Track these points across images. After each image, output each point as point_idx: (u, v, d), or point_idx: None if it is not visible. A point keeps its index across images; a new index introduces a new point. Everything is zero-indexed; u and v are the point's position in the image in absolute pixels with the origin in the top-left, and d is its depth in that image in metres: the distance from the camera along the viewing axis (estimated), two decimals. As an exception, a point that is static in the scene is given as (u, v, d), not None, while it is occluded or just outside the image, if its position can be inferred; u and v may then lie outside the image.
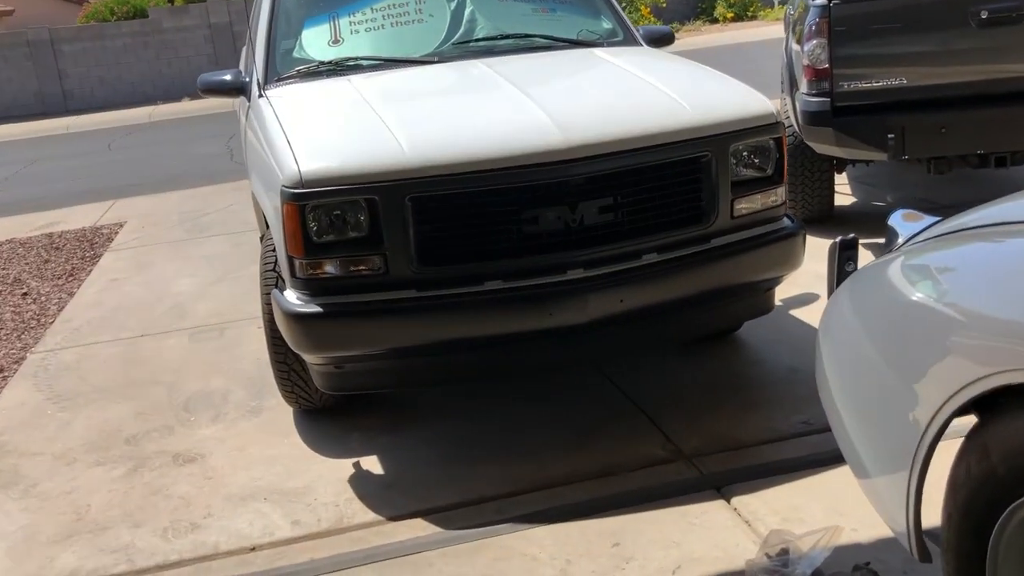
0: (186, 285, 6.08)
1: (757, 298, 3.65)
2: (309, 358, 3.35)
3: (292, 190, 3.14)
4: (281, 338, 3.56)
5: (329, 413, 3.84)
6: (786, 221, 3.63)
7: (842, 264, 2.47)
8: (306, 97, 3.96)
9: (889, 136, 4.74)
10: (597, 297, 3.22)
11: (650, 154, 3.27)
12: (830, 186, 5.65)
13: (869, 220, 5.95)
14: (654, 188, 3.32)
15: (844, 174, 6.22)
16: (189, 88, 19.37)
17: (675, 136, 3.30)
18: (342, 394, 3.59)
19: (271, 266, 3.65)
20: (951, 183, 6.44)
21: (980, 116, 4.74)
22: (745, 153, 3.47)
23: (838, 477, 3.03)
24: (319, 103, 3.84)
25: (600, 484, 3.13)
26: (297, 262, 3.21)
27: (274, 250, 3.68)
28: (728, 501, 2.97)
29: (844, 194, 6.44)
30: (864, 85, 4.83)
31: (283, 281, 3.54)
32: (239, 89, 4.38)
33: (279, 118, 3.60)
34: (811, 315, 4.36)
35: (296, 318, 3.19)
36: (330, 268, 3.21)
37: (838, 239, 2.47)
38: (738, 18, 24.30)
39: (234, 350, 4.81)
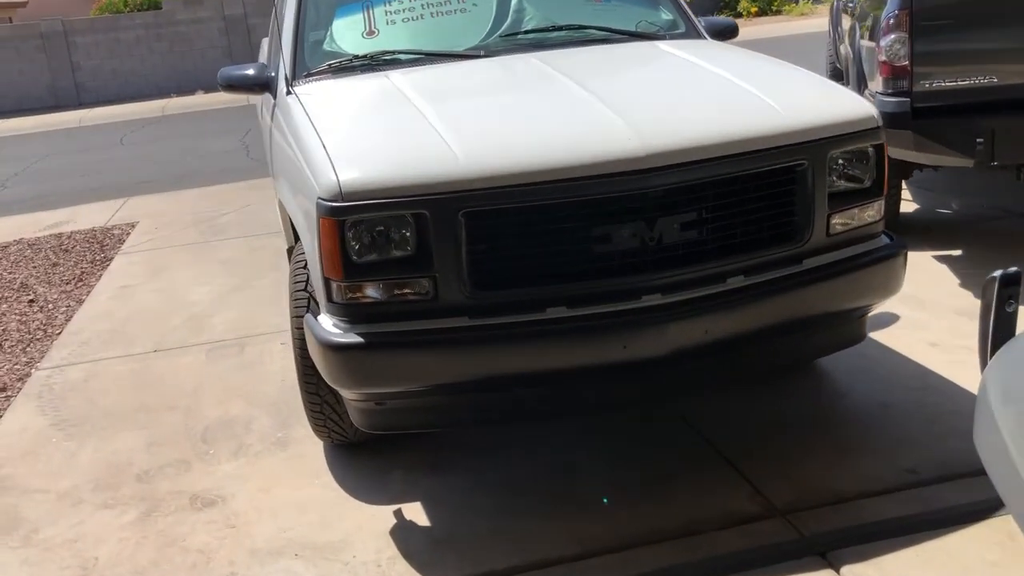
0: (202, 294, 5.68)
1: (849, 326, 3.22)
2: (346, 393, 2.94)
3: (330, 203, 2.73)
4: (313, 368, 3.16)
5: (364, 448, 3.43)
6: (884, 239, 3.20)
7: (1002, 304, 2.05)
8: (340, 95, 3.54)
9: (977, 140, 4.30)
10: (678, 327, 2.80)
11: (739, 163, 2.84)
12: (898, 193, 5.22)
13: (937, 229, 5.50)
14: (742, 202, 2.90)
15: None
16: (203, 81, 19.06)
17: (768, 142, 2.87)
18: (382, 433, 3.17)
19: (302, 286, 3.24)
20: (1019, 188, 5.98)
21: (1080, 119, 4.30)
22: (842, 161, 3.04)
23: (961, 543, 2.61)
24: (356, 102, 3.43)
25: (684, 547, 2.71)
26: (335, 285, 2.80)
27: (306, 267, 3.27)
28: (837, 572, 2.55)
29: (906, 200, 5.99)
30: (948, 84, 4.39)
31: (316, 304, 3.14)
32: (264, 85, 3.97)
33: (311, 119, 3.19)
34: (893, 339, 3.93)
35: (333, 349, 2.78)
36: (372, 292, 2.80)
37: (997, 273, 2.04)
38: (762, 12, 23.78)
39: (256, 370, 4.41)
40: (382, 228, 2.77)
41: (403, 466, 3.33)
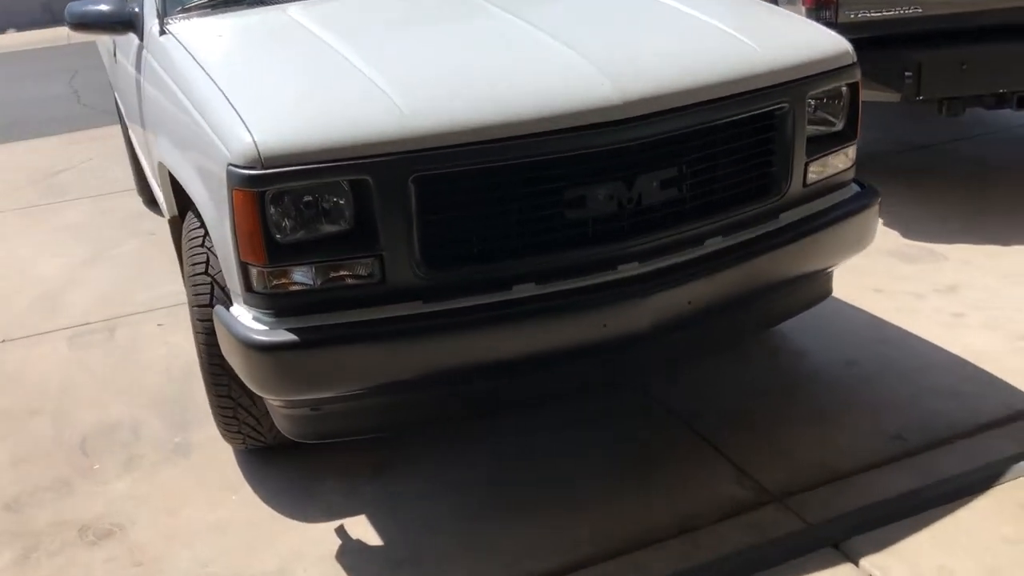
0: (51, 267, 4.93)
1: (819, 281, 2.97)
2: (276, 400, 2.46)
3: (245, 171, 2.20)
4: (223, 367, 2.66)
5: (284, 452, 2.95)
6: (855, 187, 2.94)
7: None
8: (232, 36, 2.95)
9: (906, 74, 4.11)
10: (661, 299, 2.46)
11: (721, 109, 2.48)
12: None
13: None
14: (721, 153, 2.56)
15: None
16: (15, 18, 17.15)
17: (750, 83, 2.53)
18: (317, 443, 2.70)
19: (201, 268, 2.70)
20: (918, 121, 5.96)
21: (1008, 51, 4.17)
22: (815, 103, 2.74)
23: (973, 519, 2.42)
24: (254, 44, 2.85)
25: (682, 548, 2.40)
26: (255, 271, 2.30)
27: (204, 245, 2.73)
28: (857, 564, 2.30)
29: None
30: (874, 15, 4.18)
31: (223, 292, 2.62)
32: (126, 23, 3.30)
33: (203, 66, 2.61)
34: (836, 287, 3.73)
35: (259, 350, 2.29)
36: (303, 278, 2.31)
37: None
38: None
39: (132, 359, 3.80)
40: (311, 199, 2.28)
41: (336, 471, 2.87)
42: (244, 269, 2.31)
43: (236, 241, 2.29)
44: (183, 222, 3.05)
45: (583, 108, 2.33)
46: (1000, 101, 4.33)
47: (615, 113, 2.34)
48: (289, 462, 2.92)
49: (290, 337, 2.28)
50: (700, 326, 2.58)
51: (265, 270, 2.28)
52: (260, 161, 2.20)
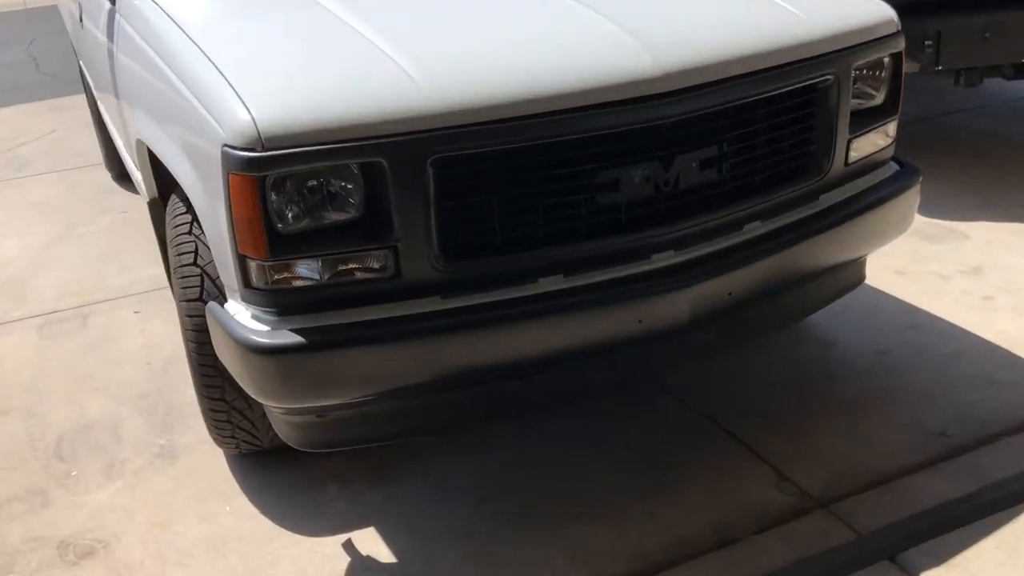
0: (15, 248, 4.63)
1: (853, 268, 2.77)
2: (279, 407, 2.22)
3: (243, 152, 1.95)
4: (215, 368, 2.41)
5: (279, 455, 2.71)
6: (894, 166, 2.74)
7: None
8: None
9: (926, 43, 3.91)
10: (702, 290, 2.24)
11: (766, 81, 2.26)
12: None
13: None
14: (764, 130, 2.34)
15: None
16: (-34, -18, 16.47)
17: (795, 53, 2.31)
18: (322, 451, 2.46)
19: (189, 259, 2.44)
20: (915, 92, 5.77)
21: (1032, 17, 3.98)
22: (858, 75, 2.53)
23: (1039, 525, 2.25)
24: (244, 9, 2.57)
25: (720, 563, 2.21)
26: (255, 264, 2.05)
27: (192, 232, 2.48)
28: (918, 580, 2.12)
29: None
30: (892, -21, 3.95)
31: (214, 285, 2.37)
32: (94, -15, 3.02)
33: (187, 32, 2.34)
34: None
35: (261, 353, 2.04)
36: (308, 272, 2.07)
37: None
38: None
39: (108, 350, 3.53)
40: (316, 184, 2.03)
41: (337, 477, 2.64)
42: (242, 263, 2.07)
43: (233, 232, 2.04)
44: (165, 205, 2.80)
45: (619, 81, 2.09)
46: (1020, 71, 4.15)
47: (654, 86, 2.11)
48: (286, 467, 2.69)
49: (295, 339, 2.03)
50: (736, 318, 2.38)
51: (266, 264, 2.04)
52: (260, 142, 1.94)
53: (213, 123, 2.04)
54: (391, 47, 2.14)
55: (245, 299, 2.12)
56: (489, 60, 2.11)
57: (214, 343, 2.27)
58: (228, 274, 2.17)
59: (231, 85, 2.05)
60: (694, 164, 2.22)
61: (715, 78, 2.18)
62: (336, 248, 2.05)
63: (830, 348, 3.12)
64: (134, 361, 3.42)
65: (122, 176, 5.46)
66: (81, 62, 4.90)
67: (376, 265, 2.08)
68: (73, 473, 2.78)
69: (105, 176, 5.63)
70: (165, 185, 2.90)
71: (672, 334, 2.25)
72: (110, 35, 3.05)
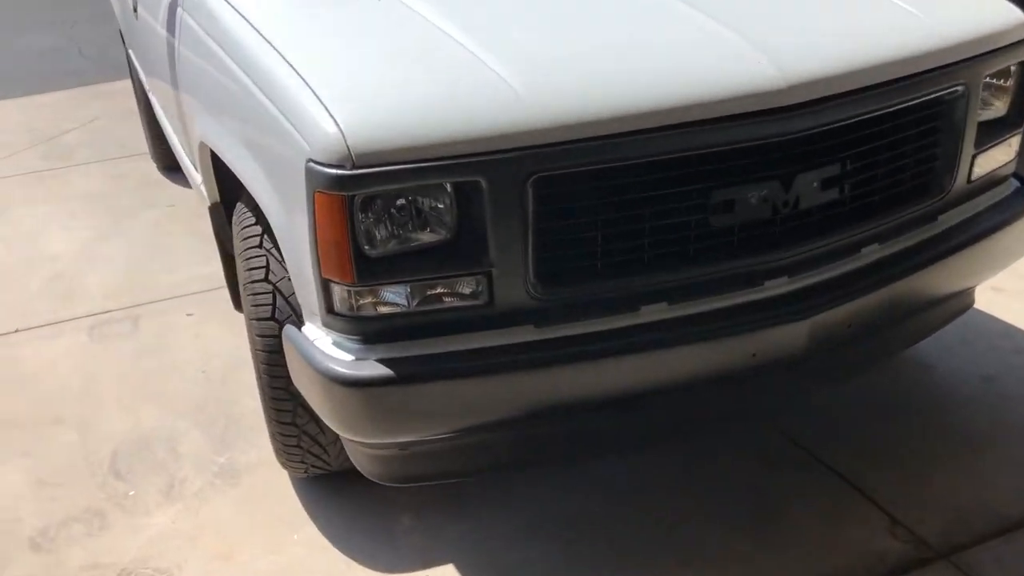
0: (63, 243, 4.50)
1: (965, 291, 2.57)
2: (362, 442, 2.06)
3: (331, 170, 1.79)
4: (287, 391, 2.26)
5: (347, 479, 2.55)
6: (1014, 183, 2.54)
7: None
8: None
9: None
10: (820, 321, 2.06)
11: (895, 93, 2.07)
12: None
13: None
14: (888, 145, 2.14)
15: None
16: (6, -37, 16.43)
17: (926, 62, 2.11)
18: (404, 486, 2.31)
19: (260, 275, 2.29)
20: None
21: None
22: (987, 84, 2.33)
23: None
24: (321, 9, 2.39)
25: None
26: (340, 289, 1.89)
27: (262, 246, 2.32)
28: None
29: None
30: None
31: (285, 301, 2.22)
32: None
33: (263, 33, 2.17)
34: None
35: (345, 386, 1.89)
36: (395, 298, 1.91)
37: None
38: None
39: (161, 356, 3.40)
40: (405, 203, 1.87)
41: (410, 505, 2.49)
42: (325, 287, 1.91)
43: (316, 253, 1.88)
44: (229, 212, 2.65)
45: (741, 93, 1.90)
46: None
47: (778, 99, 1.92)
48: (356, 493, 2.54)
49: (383, 371, 1.88)
50: (853, 349, 2.19)
51: (352, 289, 1.88)
52: (350, 158, 1.78)
53: (297, 136, 1.87)
54: (485, 52, 1.96)
55: (326, 324, 1.96)
56: (595, 68, 1.94)
57: (290, 369, 2.12)
58: (307, 297, 2.02)
59: (316, 95, 1.88)
60: (815, 184, 2.03)
61: (842, 90, 1.99)
62: (426, 273, 1.89)
63: (929, 373, 2.92)
64: (189, 368, 3.29)
65: (168, 168, 5.33)
66: (131, 51, 4.76)
67: (468, 291, 1.92)
68: (131, 493, 2.65)
69: (150, 167, 5.50)
70: (228, 189, 2.76)
71: (787, 368, 2.07)
72: (171, 29, 2.90)
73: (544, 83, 1.88)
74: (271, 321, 2.26)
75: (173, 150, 3.73)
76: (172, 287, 3.93)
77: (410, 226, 1.89)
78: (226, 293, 3.80)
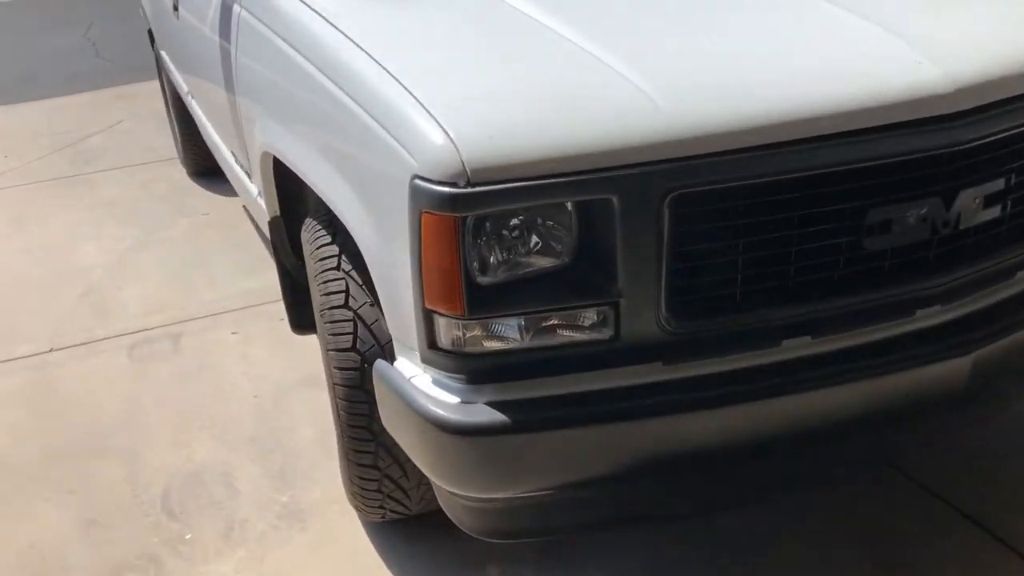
0: (94, 254, 4.29)
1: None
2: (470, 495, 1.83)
3: (442, 188, 1.55)
4: (367, 428, 2.04)
5: (425, 523, 2.33)
6: None
7: None
8: None
9: None
10: (983, 356, 1.82)
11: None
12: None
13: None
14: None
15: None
16: (19, -37, 16.25)
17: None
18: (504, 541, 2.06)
19: (340, 300, 2.06)
20: None
21: None
22: None
23: None
24: (414, 7, 2.16)
25: None
26: (445, 322, 1.66)
27: (340, 268, 2.09)
28: None
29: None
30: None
31: (367, 329, 1.99)
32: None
33: (346, 32, 1.94)
34: None
35: (455, 434, 1.65)
36: (508, 331, 1.67)
37: None
38: None
39: (208, 378, 3.17)
40: (521, 224, 1.64)
41: (497, 555, 2.25)
42: (428, 319, 1.68)
43: (420, 281, 1.65)
44: (290, 225, 2.44)
45: (901, 99, 1.67)
46: None
47: (944, 105, 1.68)
48: (435, 537, 2.31)
49: (499, 417, 1.64)
50: (1013, 385, 1.95)
51: (461, 322, 1.65)
52: (466, 175, 1.55)
53: (399, 149, 1.64)
54: (611, 55, 1.73)
55: (426, 360, 1.73)
56: (738, 73, 1.70)
57: (381, 409, 1.89)
58: (402, 328, 1.79)
59: (421, 103, 1.65)
60: (977, 201, 1.79)
61: (1013, 94, 1.75)
62: (545, 303, 1.66)
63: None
64: (239, 394, 3.06)
65: (198, 174, 5.12)
66: (164, 52, 4.54)
67: (590, 324, 1.69)
68: (188, 536, 2.43)
69: (179, 172, 5.29)
70: (290, 201, 2.54)
71: (944, 408, 1.84)
72: (224, 29, 2.67)
73: (684, 89, 1.65)
74: (352, 352, 2.03)
75: (218, 158, 3.51)
76: (213, 303, 3.70)
77: (526, 250, 1.66)
78: (272, 309, 3.60)
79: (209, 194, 4.93)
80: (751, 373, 1.75)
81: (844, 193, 1.70)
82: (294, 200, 2.59)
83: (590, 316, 1.68)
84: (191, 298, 3.76)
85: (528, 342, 1.68)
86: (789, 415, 1.77)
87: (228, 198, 4.81)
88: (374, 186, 1.76)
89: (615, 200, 1.59)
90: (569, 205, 1.63)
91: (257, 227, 4.32)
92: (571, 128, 1.59)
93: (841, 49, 1.77)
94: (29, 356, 3.41)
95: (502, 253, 1.65)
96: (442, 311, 1.65)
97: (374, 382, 1.88)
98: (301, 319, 2.73)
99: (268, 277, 3.87)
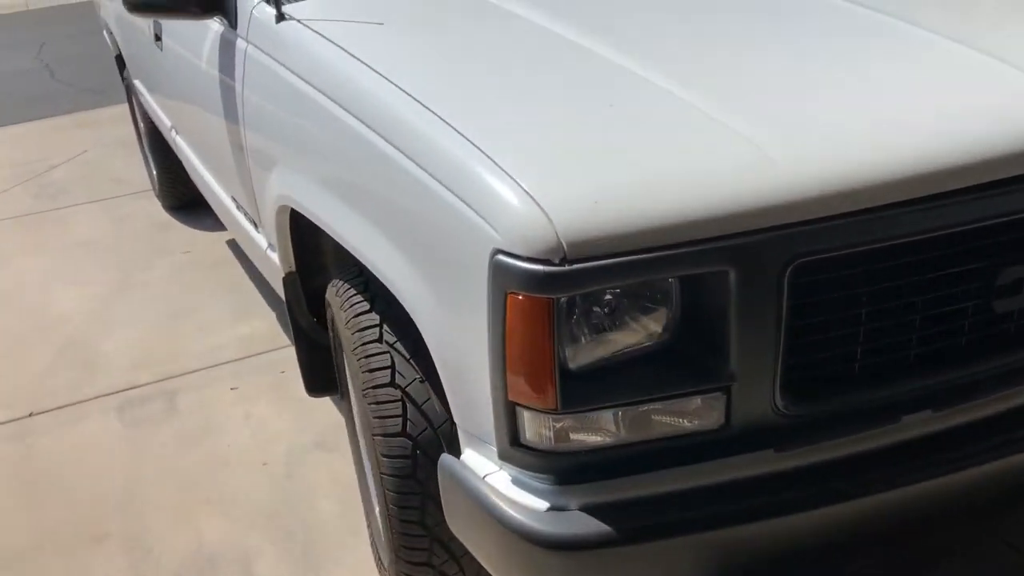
0: (70, 300, 3.99)
1: None
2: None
3: (534, 265, 1.33)
4: (419, 523, 1.80)
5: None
6: None
7: None
8: (410, 25, 2.02)
9: None
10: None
11: None
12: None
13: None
14: None
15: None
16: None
17: None
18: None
19: (386, 378, 1.81)
20: None
21: None
22: None
23: None
24: (461, 44, 1.91)
25: None
26: (532, 416, 1.43)
27: (382, 340, 1.85)
28: None
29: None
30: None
31: (417, 410, 1.76)
32: (205, 5, 2.37)
33: (391, 79, 1.70)
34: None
35: (548, 548, 1.42)
36: (603, 424, 1.45)
37: None
38: None
39: (210, 444, 2.90)
40: (616, 301, 1.42)
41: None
42: (511, 413, 1.45)
43: (502, 371, 1.42)
44: (303, 279, 2.21)
45: (1041, 144, 1.47)
46: None
47: (1088, 151, 1.49)
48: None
49: (599, 527, 1.41)
50: None
51: (552, 417, 1.42)
52: (562, 249, 1.32)
53: (474, 219, 1.41)
54: (712, 104, 1.51)
55: (505, 457, 1.50)
56: (860, 122, 1.49)
57: (448, 511, 1.65)
58: (474, 420, 1.55)
59: (499, 164, 1.42)
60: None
61: None
62: (648, 391, 1.43)
63: None
64: (247, 461, 2.80)
65: (175, 208, 4.84)
66: (138, 82, 4.25)
67: (697, 411, 1.47)
68: (208, 639, 2.17)
69: (155, 206, 5.00)
70: (306, 253, 2.30)
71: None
72: (226, 65, 2.41)
73: (801, 143, 1.43)
74: (402, 437, 1.79)
75: (212, 202, 3.24)
76: (206, 353, 3.43)
77: (622, 332, 1.43)
78: (273, 359, 3.35)
79: (188, 230, 4.65)
80: (873, 457, 1.54)
81: (977, 251, 1.50)
82: (310, 253, 2.35)
83: (700, 403, 1.46)
84: (181, 349, 3.48)
85: (625, 435, 1.46)
86: (920, 498, 1.57)
87: (209, 233, 4.53)
88: (440, 260, 1.52)
89: (732, 272, 1.37)
90: (672, 281, 1.41)
91: (246, 266, 4.05)
92: (681, 190, 1.36)
93: (964, 86, 1.58)
94: (6, 423, 3.12)
95: (594, 335, 1.43)
96: (529, 404, 1.42)
97: (439, 480, 1.64)
98: (317, 382, 2.48)
99: (262, 322, 3.61)
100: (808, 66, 1.69)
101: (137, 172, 5.39)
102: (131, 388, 3.26)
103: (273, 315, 3.67)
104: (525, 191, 1.36)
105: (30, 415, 3.15)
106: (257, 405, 3.08)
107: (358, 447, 2.36)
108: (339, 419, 2.89)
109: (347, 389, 2.30)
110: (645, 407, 1.44)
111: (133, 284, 4.11)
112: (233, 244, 4.33)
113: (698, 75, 1.62)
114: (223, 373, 3.30)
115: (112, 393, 3.24)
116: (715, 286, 1.39)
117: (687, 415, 1.47)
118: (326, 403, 2.98)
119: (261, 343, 3.47)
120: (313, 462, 2.75)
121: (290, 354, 3.40)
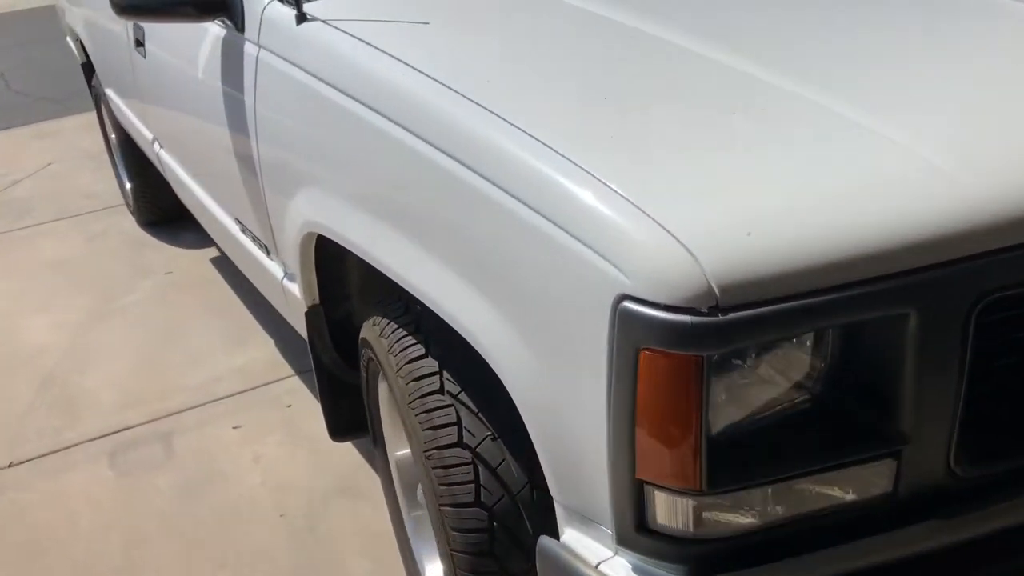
0: (45, 331, 3.64)
1: None
2: None
3: (677, 315, 1.06)
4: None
5: None
6: None
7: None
8: (464, 26, 1.75)
9: None
10: None
11: None
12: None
13: None
14: None
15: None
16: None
17: None
18: None
19: (450, 436, 1.54)
20: None
21: None
22: None
23: None
24: (529, 49, 1.63)
25: None
26: (667, 498, 1.17)
27: (445, 392, 1.57)
28: None
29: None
30: None
31: (492, 475, 1.49)
32: (211, 7, 2.07)
33: (461, 92, 1.43)
34: None
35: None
36: (750, 502, 1.19)
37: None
38: None
39: (217, 493, 2.60)
40: (759, 354, 1.16)
41: None
42: (638, 493, 1.18)
43: (630, 443, 1.15)
44: (327, 312, 1.93)
45: None
46: None
47: None
48: None
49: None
50: None
51: (696, 499, 1.15)
52: (713, 296, 1.06)
53: (593, 259, 1.14)
54: (870, 117, 1.25)
55: (627, 544, 1.23)
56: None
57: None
58: (582, 496, 1.29)
59: (621, 194, 1.15)
60: None
61: None
62: (807, 462, 1.18)
63: None
64: (260, 512, 2.50)
65: (151, 224, 4.50)
66: (111, 91, 3.92)
67: (861, 479, 1.21)
68: None
69: (128, 222, 4.65)
70: (328, 282, 2.02)
71: None
72: (231, 77, 2.11)
73: (983, 159, 1.18)
74: (476, 507, 1.52)
75: (207, 225, 2.94)
76: (201, 388, 3.12)
77: (767, 391, 1.18)
78: (276, 391, 3.05)
79: (167, 247, 4.31)
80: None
81: None
82: (333, 282, 2.07)
83: (861, 470, 1.21)
84: (173, 383, 3.17)
85: (774, 514, 1.20)
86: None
87: (189, 251, 4.21)
88: (541, 308, 1.25)
89: (913, 314, 1.12)
90: (830, 332, 1.16)
91: (234, 286, 3.75)
92: (854, 217, 1.11)
93: None
94: (-15, 474, 2.79)
95: (736, 396, 1.17)
96: (666, 484, 1.16)
97: (538, 567, 1.37)
98: (342, 424, 2.21)
99: (260, 349, 3.31)
100: (967, 68, 1.44)
101: (107, 186, 5.03)
102: (121, 430, 2.93)
103: (271, 341, 3.36)
104: (657, 223, 1.10)
105: (10, 465, 2.83)
106: (265, 445, 2.78)
107: (394, 498, 2.10)
108: (360, 459, 2.61)
109: (381, 435, 2.04)
110: (802, 480, 1.19)
111: (113, 310, 3.77)
112: (217, 262, 4.02)
113: (839, 80, 1.36)
114: (222, 409, 2.99)
115: (100, 437, 2.92)
116: (885, 331, 1.14)
117: (849, 484, 1.22)
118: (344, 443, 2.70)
119: (261, 374, 3.17)
120: (337, 512, 2.47)
121: (295, 385, 3.12)
